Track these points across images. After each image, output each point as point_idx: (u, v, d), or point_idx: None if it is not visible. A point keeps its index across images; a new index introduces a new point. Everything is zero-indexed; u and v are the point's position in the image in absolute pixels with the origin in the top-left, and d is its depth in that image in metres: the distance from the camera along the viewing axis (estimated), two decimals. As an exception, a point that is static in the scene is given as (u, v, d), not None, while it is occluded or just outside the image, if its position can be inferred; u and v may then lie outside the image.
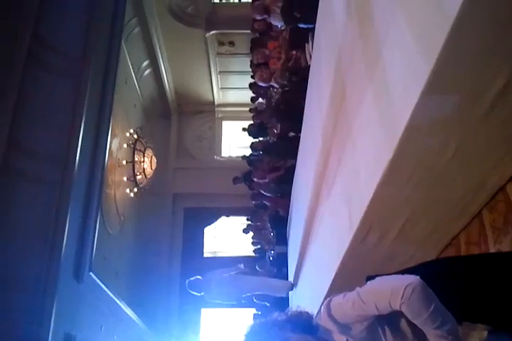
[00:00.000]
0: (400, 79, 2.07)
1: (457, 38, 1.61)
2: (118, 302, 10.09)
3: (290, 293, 7.15)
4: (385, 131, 2.25)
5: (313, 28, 4.97)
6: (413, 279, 1.40)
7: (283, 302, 7.83)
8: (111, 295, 9.65)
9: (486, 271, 1.49)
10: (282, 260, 9.30)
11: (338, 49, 3.45)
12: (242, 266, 6.98)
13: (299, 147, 6.68)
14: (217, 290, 6.43)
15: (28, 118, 7.65)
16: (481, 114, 1.88)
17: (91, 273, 8.54)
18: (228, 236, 16.03)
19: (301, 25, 5.81)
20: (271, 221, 10.24)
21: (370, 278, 1.55)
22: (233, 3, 14.06)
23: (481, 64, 1.70)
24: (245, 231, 12.37)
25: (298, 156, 6.93)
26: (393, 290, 1.42)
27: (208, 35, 14.11)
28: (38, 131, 7.79)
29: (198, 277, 6.54)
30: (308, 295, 5.25)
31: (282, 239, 9.54)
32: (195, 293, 6.52)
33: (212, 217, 15.68)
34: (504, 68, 1.69)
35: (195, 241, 15.48)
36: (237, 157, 14.30)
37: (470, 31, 1.60)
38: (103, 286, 9.17)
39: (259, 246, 12.21)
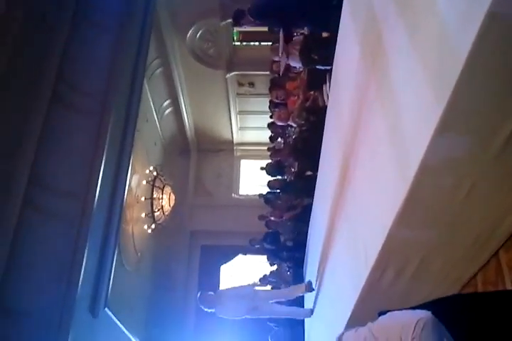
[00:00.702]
0: (413, 119, 2.12)
1: (468, 80, 1.66)
2: (132, 338, 10.00)
3: (306, 329, 6.98)
4: (398, 171, 2.28)
5: (331, 69, 5.08)
6: (424, 314, 1.40)
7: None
8: (125, 331, 9.58)
9: (499, 308, 1.48)
10: (299, 300, 9.16)
11: (354, 89, 3.52)
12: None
13: (316, 186, 6.69)
14: (231, 304, 6.15)
15: (50, 154, 7.80)
16: (493, 155, 1.91)
17: (106, 309, 8.51)
18: (245, 275, 15.86)
19: (319, 67, 5.94)
20: (288, 261, 10.15)
21: (381, 313, 1.55)
22: (253, 45, 14.41)
23: (492, 105, 1.75)
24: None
25: (315, 195, 6.94)
26: (404, 326, 1.42)
27: (228, 76, 14.44)
28: (59, 166, 7.93)
29: (211, 293, 6.32)
30: (323, 332, 5.17)
31: (299, 279, 9.43)
32: (206, 309, 6.27)
33: (229, 254, 15.59)
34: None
35: (212, 279, 15.33)
36: (254, 195, 14.34)
37: (480, 74, 1.65)
38: (118, 322, 9.12)
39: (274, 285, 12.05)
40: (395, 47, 2.44)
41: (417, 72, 2.04)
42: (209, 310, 6.23)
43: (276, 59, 7.15)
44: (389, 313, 1.54)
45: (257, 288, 6.88)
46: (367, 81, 3.06)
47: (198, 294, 6.32)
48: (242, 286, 6.68)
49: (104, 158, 8.49)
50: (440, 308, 1.48)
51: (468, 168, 1.99)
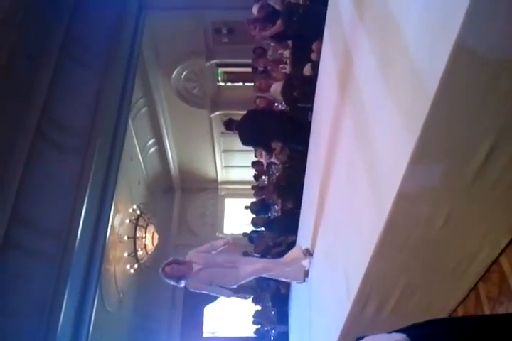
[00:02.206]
0: (387, 150, 2.17)
1: (438, 111, 1.72)
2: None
3: None
4: (375, 202, 2.31)
5: (312, 107, 5.20)
6: (400, 336, 1.41)
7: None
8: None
9: (474, 332, 1.49)
10: (283, 339, 9.02)
11: (330, 122, 3.61)
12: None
13: (300, 222, 6.71)
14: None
15: (32, 192, 7.76)
16: (467, 182, 1.95)
17: (86, 352, 8.29)
18: (229, 316, 15.58)
19: (300, 105, 6.07)
20: (272, 299, 10.03)
21: (359, 338, 1.56)
22: (237, 85, 14.65)
23: (463, 134, 1.80)
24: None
25: (298, 231, 6.95)
26: None
27: (212, 115, 14.60)
28: (41, 205, 7.88)
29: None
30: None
31: (283, 318, 9.31)
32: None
33: (212, 295, 15.31)
34: (486, 137, 1.78)
35: (195, 320, 15.03)
36: (239, 234, 14.26)
37: (450, 105, 1.71)
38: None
39: (259, 326, 11.84)
40: (368, 82, 2.52)
41: (390, 105, 2.11)
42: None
43: (259, 94, 7.29)
44: (366, 338, 1.54)
45: None
46: (342, 114, 3.14)
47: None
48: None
49: (86, 198, 8.45)
50: (415, 332, 1.49)
51: (444, 196, 2.03)
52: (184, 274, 4.94)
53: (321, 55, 4.75)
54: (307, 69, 5.74)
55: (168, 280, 4.99)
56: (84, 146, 8.87)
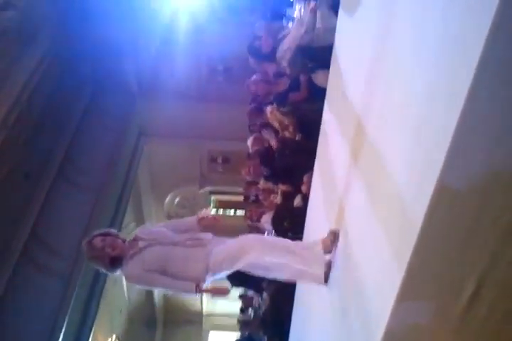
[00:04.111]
0: (374, 288, 2.10)
1: (424, 250, 1.68)
2: None
3: None
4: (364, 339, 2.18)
5: (301, 237, 5.16)
6: None
7: None
8: None
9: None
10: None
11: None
12: None
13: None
14: None
15: (10, 314, 7.50)
16: (456, 319, 1.85)
17: None
18: None
19: (290, 235, 6.03)
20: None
21: None
22: (229, 214, 14.79)
23: (450, 271, 1.74)
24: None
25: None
26: None
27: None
28: (22, 326, 7.55)
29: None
30: None
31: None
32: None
33: None
34: (473, 272, 1.72)
35: None
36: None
37: (435, 240, 1.68)
38: None
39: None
40: (356, 221, 2.52)
41: (378, 243, 2.09)
42: None
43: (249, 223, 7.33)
44: None
45: None
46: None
47: None
48: None
49: (65, 323, 8.12)
50: None
51: (432, 334, 1.92)
52: (122, 252, 3.17)
53: (311, 188, 4.86)
54: (297, 201, 5.81)
55: (94, 264, 3.26)
56: (70, 268, 8.70)
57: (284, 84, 5.62)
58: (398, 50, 2.19)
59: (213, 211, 14.67)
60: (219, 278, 3.20)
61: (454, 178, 1.54)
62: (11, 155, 7.86)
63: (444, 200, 1.57)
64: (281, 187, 6.28)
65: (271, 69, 6.10)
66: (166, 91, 10.92)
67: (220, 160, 12.71)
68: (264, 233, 7.29)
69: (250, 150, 7.18)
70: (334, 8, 4.28)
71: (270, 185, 6.68)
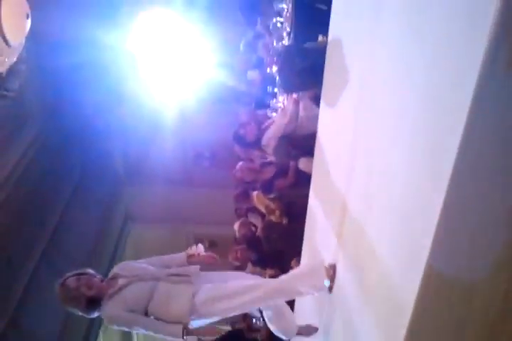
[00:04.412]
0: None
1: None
2: None
3: None
4: None
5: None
6: None
7: None
8: None
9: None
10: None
11: None
12: None
13: None
14: None
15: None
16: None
17: None
18: None
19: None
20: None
21: None
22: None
23: None
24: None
25: None
26: None
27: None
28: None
29: None
30: None
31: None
32: None
33: None
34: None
35: None
36: None
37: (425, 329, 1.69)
38: None
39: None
40: (346, 311, 2.52)
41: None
42: None
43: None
44: None
45: None
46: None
47: None
48: None
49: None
50: None
51: None
52: (100, 292, 2.90)
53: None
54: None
55: (69, 307, 2.92)
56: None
57: (270, 172, 5.78)
58: (374, 141, 2.30)
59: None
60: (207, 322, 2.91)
61: (440, 265, 1.57)
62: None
63: (432, 284, 1.59)
64: (269, 272, 6.21)
65: (256, 156, 6.28)
66: (153, 176, 11.04)
67: (206, 245, 12.55)
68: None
69: (237, 235, 7.16)
70: (316, 99, 4.49)
71: (258, 269, 6.61)
